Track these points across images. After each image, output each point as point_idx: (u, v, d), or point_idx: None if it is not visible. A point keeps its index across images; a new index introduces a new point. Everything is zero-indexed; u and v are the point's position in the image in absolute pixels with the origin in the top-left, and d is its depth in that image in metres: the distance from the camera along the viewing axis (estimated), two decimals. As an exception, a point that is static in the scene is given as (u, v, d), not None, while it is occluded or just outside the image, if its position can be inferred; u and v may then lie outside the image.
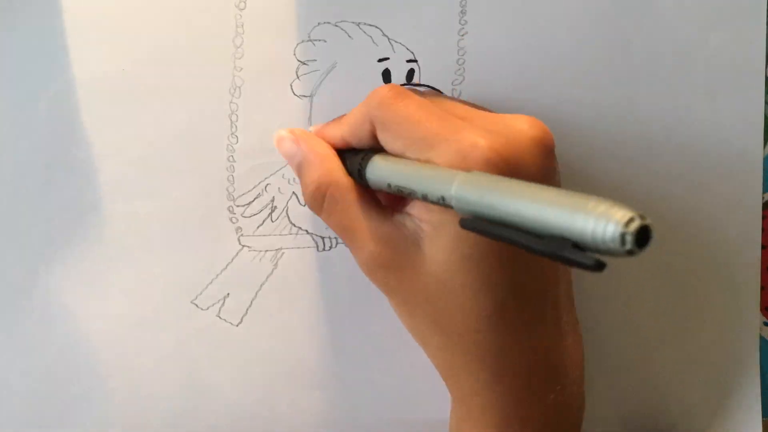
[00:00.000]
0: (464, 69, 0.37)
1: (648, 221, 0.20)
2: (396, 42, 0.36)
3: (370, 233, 0.31)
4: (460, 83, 0.37)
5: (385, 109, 0.30)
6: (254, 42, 0.36)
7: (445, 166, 0.28)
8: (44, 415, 0.37)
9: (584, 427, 0.38)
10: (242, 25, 0.36)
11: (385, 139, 0.31)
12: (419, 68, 0.37)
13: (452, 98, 0.34)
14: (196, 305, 0.37)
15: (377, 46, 0.37)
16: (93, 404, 0.37)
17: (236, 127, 0.37)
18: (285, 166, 0.37)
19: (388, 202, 0.33)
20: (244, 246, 0.37)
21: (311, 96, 0.37)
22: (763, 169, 0.37)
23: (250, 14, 0.36)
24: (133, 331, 0.37)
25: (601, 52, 0.37)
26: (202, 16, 0.36)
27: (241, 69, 0.36)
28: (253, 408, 0.38)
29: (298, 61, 0.37)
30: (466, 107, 0.32)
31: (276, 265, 0.37)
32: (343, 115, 0.34)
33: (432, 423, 0.38)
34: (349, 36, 0.36)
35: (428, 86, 0.37)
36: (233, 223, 0.37)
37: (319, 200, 0.32)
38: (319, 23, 0.36)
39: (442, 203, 0.27)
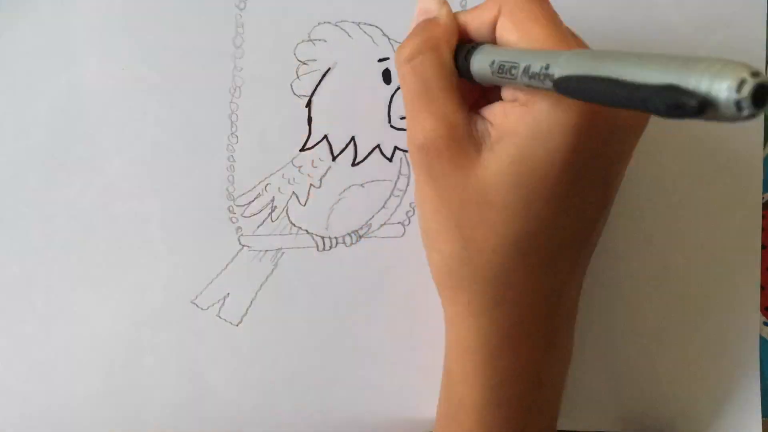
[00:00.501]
0: (464, 69, 0.37)
1: (766, 78, 0.19)
2: (396, 42, 0.37)
3: (442, 111, 0.30)
4: (460, 83, 0.37)
5: (518, 0, 0.29)
6: (254, 42, 0.36)
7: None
8: (44, 415, 0.37)
9: (583, 426, 0.38)
10: (242, 25, 0.36)
11: (503, 27, 0.29)
12: (419, 68, 0.37)
13: None
14: (196, 305, 0.37)
15: (377, 45, 0.37)
16: (93, 404, 0.37)
17: (236, 127, 0.37)
18: (285, 166, 0.37)
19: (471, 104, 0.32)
20: (244, 246, 0.37)
21: (311, 96, 0.37)
22: (763, 169, 0.37)
23: (250, 14, 0.36)
24: (133, 331, 0.37)
25: (601, 52, 0.37)
26: (203, 16, 0.36)
27: (241, 69, 0.36)
28: (253, 408, 0.38)
29: (298, 60, 0.37)
30: (577, 37, 0.32)
31: (276, 265, 0.37)
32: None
33: (432, 423, 0.38)
34: (349, 36, 0.36)
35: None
36: (233, 223, 0.37)
37: (414, 54, 0.30)
38: (319, 23, 0.36)
39: (544, 72, 0.26)
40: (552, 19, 0.29)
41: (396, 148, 0.37)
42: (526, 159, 0.28)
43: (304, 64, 0.37)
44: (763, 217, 0.38)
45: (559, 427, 0.38)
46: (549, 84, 0.26)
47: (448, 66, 0.30)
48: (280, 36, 0.36)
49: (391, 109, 0.37)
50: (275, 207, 0.37)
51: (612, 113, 0.28)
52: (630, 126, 0.30)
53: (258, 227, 0.37)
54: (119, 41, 0.36)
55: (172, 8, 0.36)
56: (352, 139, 0.37)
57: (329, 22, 0.36)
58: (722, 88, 0.19)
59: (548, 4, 0.30)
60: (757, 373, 0.38)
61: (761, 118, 0.37)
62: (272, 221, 0.37)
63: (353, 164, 0.37)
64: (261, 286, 0.37)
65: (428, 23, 0.31)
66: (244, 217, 0.37)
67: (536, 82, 0.26)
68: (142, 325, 0.37)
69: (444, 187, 0.30)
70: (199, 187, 0.37)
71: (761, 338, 0.38)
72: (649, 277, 0.38)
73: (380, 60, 0.37)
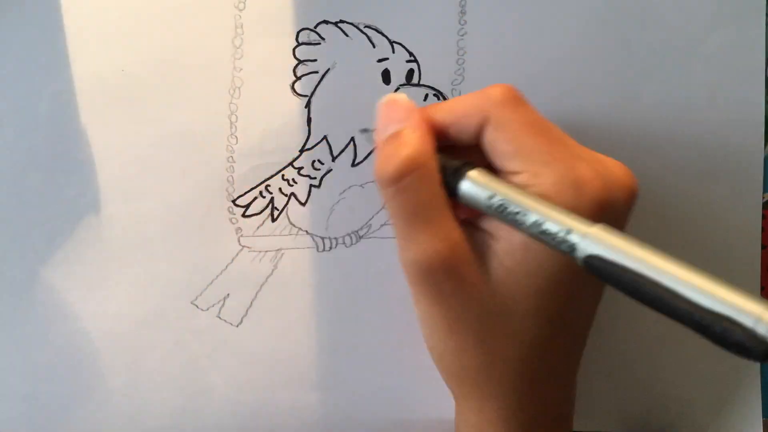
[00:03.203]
0: (464, 69, 0.37)
1: None
2: (395, 42, 0.36)
3: (441, 232, 0.29)
4: (459, 83, 0.37)
5: (506, 108, 0.29)
6: (253, 42, 0.36)
7: (553, 187, 0.28)
8: (44, 415, 0.37)
9: (584, 427, 0.38)
10: (241, 26, 0.36)
11: (494, 138, 0.29)
12: (419, 68, 0.37)
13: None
14: (196, 306, 0.37)
15: (376, 46, 0.36)
16: (93, 404, 0.37)
17: (236, 127, 0.37)
18: (285, 166, 0.37)
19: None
20: (243, 246, 0.37)
21: (311, 96, 0.37)
22: (763, 169, 0.37)
23: (250, 15, 0.36)
24: (133, 332, 0.37)
25: (601, 52, 0.37)
26: (202, 17, 0.36)
27: (241, 69, 0.36)
28: (253, 408, 0.38)
29: (298, 61, 0.37)
30: (567, 136, 0.31)
31: (276, 265, 0.37)
32: (446, 102, 0.32)
33: (432, 423, 0.38)
34: (349, 36, 0.36)
35: (429, 86, 0.37)
36: (233, 223, 0.37)
37: (403, 173, 0.29)
38: (318, 23, 0.36)
39: (562, 237, 0.26)
40: (544, 127, 0.29)
41: (396, 148, 0.37)
42: (543, 270, 0.29)
43: (304, 64, 0.36)
44: (763, 217, 0.38)
45: (560, 427, 0.39)
46: (567, 249, 0.26)
47: (437, 183, 0.29)
48: (279, 36, 0.36)
49: (391, 109, 0.37)
50: (275, 208, 0.37)
51: None
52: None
53: (258, 228, 0.37)
54: (119, 42, 0.36)
55: (171, 9, 0.36)
56: (352, 139, 0.37)
57: (328, 23, 0.36)
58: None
59: (534, 111, 0.30)
60: (758, 373, 0.38)
61: (761, 118, 0.37)
62: (272, 222, 0.37)
63: (353, 164, 0.37)
64: (261, 286, 0.37)
65: (405, 137, 0.30)
66: (244, 217, 0.37)
67: (549, 240, 0.26)
68: (142, 325, 0.37)
69: (457, 306, 0.29)
70: (199, 188, 0.37)
71: (761, 338, 0.38)
72: (649, 277, 0.38)
73: (379, 60, 0.37)
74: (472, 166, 0.29)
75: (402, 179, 0.29)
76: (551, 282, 0.29)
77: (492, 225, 0.30)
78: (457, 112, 0.30)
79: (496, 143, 0.29)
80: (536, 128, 0.29)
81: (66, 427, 0.37)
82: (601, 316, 0.38)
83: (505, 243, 0.29)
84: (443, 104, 0.31)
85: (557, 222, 0.26)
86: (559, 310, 0.30)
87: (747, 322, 0.22)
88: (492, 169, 0.30)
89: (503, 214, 0.28)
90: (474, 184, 0.29)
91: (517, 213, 0.27)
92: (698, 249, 0.38)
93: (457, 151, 0.31)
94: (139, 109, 0.36)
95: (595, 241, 0.25)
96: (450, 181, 0.30)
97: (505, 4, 0.36)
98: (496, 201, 0.28)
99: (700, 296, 0.23)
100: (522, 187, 0.28)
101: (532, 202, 0.27)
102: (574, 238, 0.26)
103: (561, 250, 0.26)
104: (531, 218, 0.27)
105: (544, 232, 0.26)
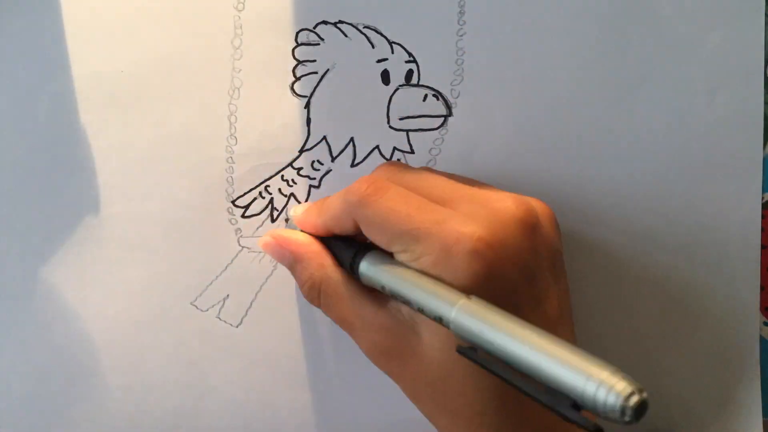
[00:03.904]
0: (463, 69, 0.37)
1: (645, 395, 0.22)
2: (395, 43, 0.36)
3: (368, 323, 0.31)
4: (458, 83, 0.37)
5: (366, 206, 0.30)
6: (253, 43, 0.36)
7: (429, 259, 0.29)
8: (44, 415, 0.37)
9: (584, 427, 0.38)
10: (241, 27, 0.36)
11: (370, 234, 0.31)
12: (418, 69, 0.37)
13: (432, 171, 0.34)
14: (196, 306, 0.37)
15: (376, 46, 0.36)
16: (93, 404, 0.38)
17: (235, 128, 0.37)
18: (284, 167, 0.37)
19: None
20: (243, 247, 0.37)
21: (310, 97, 0.37)
22: (763, 169, 0.37)
23: (249, 15, 0.36)
24: (133, 332, 0.37)
25: (600, 52, 0.37)
26: (201, 17, 0.36)
27: (240, 70, 0.36)
28: (253, 408, 0.38)
29: (297, 61, 0.36)
30: (451, 185, 0.32)
31: (275, 266, 0.37)
32: (323, 201, 0.34)
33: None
34: (348, 37, 0.36)
35: (428, 86, 0.37)
36: (232, 224, 0.37)
37: (315, 296, 0.33)
38: (317, 24, 0.36)
39: (438, 321, 0.28)
40: (408, 200, 0.30)
41: (395, 148, 0.37)
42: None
43: (303, 65, 0.36)
44: (763, 217, 0.38)
45: (559, 426, 0.39)
46: (446, 326, 0.27)
47: (342, 281, 0.33)
48: (278, 37, 0.36)
49: (390, 109, 0.37)
50: (275, 208, 0.37)
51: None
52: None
53: (258, 228, 0.37)
54: (118, 42, 0.36)
55: (170, 9, 0.36)
56: (351, 139, 0.37)
57: (328, 23, 0.36)
58: (611, 395, 0.22)
59: (392, 187, 0.31)
60: (757, 373, 0.38)
61: (761, 118, 0.37)
62: (272, 222, 0.37)
63: (352, 165, 0.37)
64: (261, 287, 0.37)
65: (296, 264, 0.34)
66: (244, 218, 0.37)
67: (430, 318, 0.28)
68: (142, 325, 0.37)
69: (410, 378, 0.31)
70: (199, 189, 0.37)
71: (761, 338, 0.38)
72: (649, 277, 0.38)
73: (379, 61, 0.36)
74: (362, 254, 0.32)
75: (315, 299, 0.33)
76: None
77: None
78: (332, 216, 0.33)
79: (372, 237, 0.31)
80: (401, 210, 0.30)
81: (66, 428, 0.38)
82: (601, 317, 0.38)
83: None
84: (319, 209, 0.34)
85: (431, 306, 0.28)
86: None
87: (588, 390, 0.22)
88: None
89: (395, 297, 0.30)
90: (366, 275, 0.31)
91: (404, 301, 0.29)
92: (698, 249, 0.38)
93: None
94: (138, 109, 0.36)
95: (458, 321, 0.27)
96: (350, 269, 0.32)
97: (504, 4, 0.36)
98: (387, 290, 0.30)
99: (549, 369, 0.24)
100: (407, 263, 0.30)
101: (409, 285, 0.29)
102: (446, 320, 0.27)
103: (445, 326, 0.28)
104: (414, 305, 0.29)
105: (428, 316, 0.28)
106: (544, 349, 0.24)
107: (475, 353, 0.26)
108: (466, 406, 0.30)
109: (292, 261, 0.34)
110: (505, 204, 0.30)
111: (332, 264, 0.33)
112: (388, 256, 0.31)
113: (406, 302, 0.29)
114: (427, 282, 0.28)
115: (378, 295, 0.32)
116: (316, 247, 0.34)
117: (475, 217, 0.29)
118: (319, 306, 0.33)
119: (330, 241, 0.34)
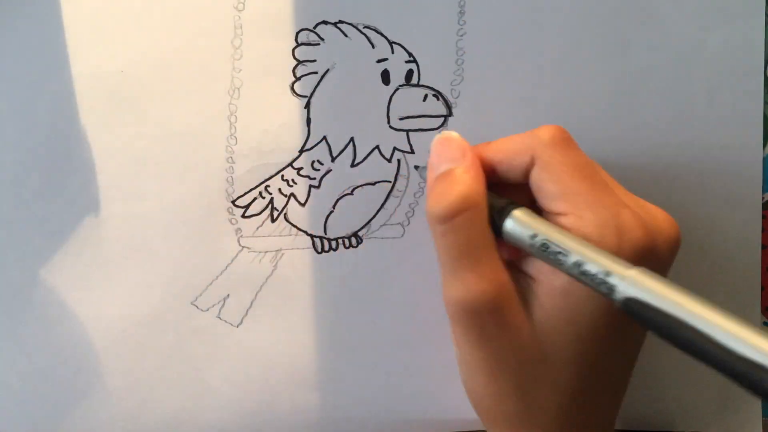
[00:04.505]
0: (463, 69, 0.37)
1: None
2: (395, 42, 0.36)
3: (489, 272, 0.29)
4: (459, 83, 0.37)
5: (556, 149, 0.30)
6: (253, 43, 0.36)
7: (596, 230, 0.28)
8: (44, 415, 0.37)
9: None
10: (241, 27, 0.36)
11: (541, 179, 0.30)
12: (418, 69, 0.37)
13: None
14: (196, 306, 0.37)
15: (376, 46, 0.36)
16: (93, 404, 0.38)
17: (235, 128, 0.37)
18: (284, 167, 0.37)
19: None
20: (243, 247, 0.37)
21: (310, 97, 0.37)
22: (763, 169, 0.37)
23: (249, 15, 0.36)
24: (133, 332, 0.37)
25: (600, 52, 0.37)
26: (201, 17, 0.36)
27: (240, 70, 0.36)
28: (253, 408, 0.38)
29: (297, 61, 0.36)
30: (614, 181, 0.32)
31: (276, 266, 0.37)
32: (496, 141, 0.32)
33: (432, 423, 0.38)
34: (348, 37, 0.36)
35: (428, 86, 0.37)
36: (233, 224, 0.37)
37: (455, 212, 0.29)
38: (317, 24, 0.36)
39: (601, 279, 0.26)
40: (591, 171, 0.30)
41: (395, 148, 0.37)
42: (583, 316, 0.29)
43: (303, 65, 0.36)
44: (763, 217, 0.38)
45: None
46: (605, 290, 0.26)
47: (487, 223, 0.30)
48: (278, 37, 0.36)
49: (390, 109, 0.37)
50: (275, 208, 0.37)
51: None
52: None
53: (257, 228, 0.37)
54: (118, 42, 0.36)
55: (170, 9, 0.36)
56: (351, 139, 0.37)
57: (328, 23, 0.36)
58: None
59: (582, 154, 0.30)
60: (757, 373, 0.38)
61: (761, 118, 0.37)
62: (272, 222, 0.37)
63: (352, 165, 0.37)
64: (261, 287, 0.37)
65: (458, 176, 0.30)
66: (244, 218, 0.37)
67: (588, 281, 0.27)
68: (142, 325, 0.37)
69: (498, 349, 0.29)
70: (199, 189, 0.37)
71: (761, 338, 0.38)
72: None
73: (379, 61, 0.36)
74: (517, 205, 0.30)
75: (454, 218, 0.29)
76: (591, 328, 0.29)
77: (533, 268, 0.30)
78: (506, 151, 0.31)
79: (543, 183, 0.30)
80: (583, 172, 0.29)
81: (66, 427, 0.38)
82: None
83: (545, 287, 0.29)
84: (493, 143, 0.32)
85: (597, 263, 0.27)
86: (599, 357, 0.30)
87: None
88: (538, 210, 0.31)
89: (545, 253, 0.28)
90: (518, 223, 0.29)
91: (559, 253, 0.28)
92: (698, 249, 0.38)
93: (504, 190, 0.31)
94: (138, 109, 0.36)
95: (633, 283, 0.25)
96: (495, 220, 0.30)
97: (504, 4, 0.36)
98: (539, 240, 0.28)
99: (737, 344, 0.23)
100: (566, 229, 0.29)
101: (574, 243, 0.28)
102: (613, 280, 0.26)
103: (600, 291, 0.26)
104: (572, 258, 0.27)
105: (584, 273, 0.27)
106: (738, 331, 0.23)
107: (647, 311, 0.25)
108: (548, 396, 0.29)
109: (457, 168, 0.30)
110: (663, 219, 0.30)
111: (486, 200, 0.30)
112: (539, 214, 0.30)
113: (558, 262, 0.28)
114: (590, 247, 0.27)
115: (502, 258, 0.30)
116: (483, 176, 0.31)
117: (643, 219, 0.29)
118: (442, 224, 0.30)
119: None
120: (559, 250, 0.28)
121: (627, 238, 0.28)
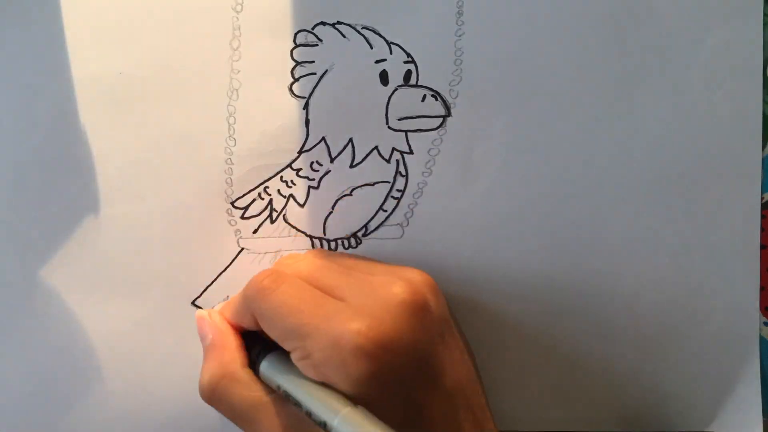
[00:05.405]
0: (461, 69, 0.37)
1: None
2: (393, 43, 0.36)
3: (264, 425, 0.31)
4: (457, 84, 0.37)
5: (260, 299, 0.31)
6: (251, 44, 0.36)
7: (320, 356, 0.29)
8: (44, 415, 0.38)
9: (585, 427, 0.39)
10: (239, 28, 0.36)
11: (264, 328, 0.31)
12: (416, 69, 0.37)
13: (328, 256, 0.35)
14: (196, 306, 0.37)
15: (374, 47, 0.36)
16: (93, 404, 0.38)
17: (234, 129, 0.37)
18: (283, 168, 0.37)
19: None
20: (243, 248, 0.37)
21: (309, 98, 0.37)
22: (763, 169, 0.37)
23: (247, 17, 0.36)
24: (133, 333, 0.37)
25: (599, 52, 0.37)
26: (199, 19, 0.36)
27: (239, 71, 0.36)
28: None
29: (295, 62, 0.36)
30: (342, 273, 0.32)
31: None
32: (233, 298, 0.34)
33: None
34: (346, 37, 0.36)
35: (427, 87, 0.37)
36: (232, 225, 0.37)
37: (210, 390, 0.32)
38: (315, 25, 0.36)
39: (323, 429, 0.28)
40: (302, 294, 0.31)
41: (394, 149, 0.37)
42: None
43: (302, 66, 0.36)
44: (763, 217, 0.38)
45: (562, 427, 0.39)
46: None
47: (244, 382, 0.32)
48: (277, 38, 0.36)
49: (389, 110, 0.37)
50: (274, 209, 0.37)
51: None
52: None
53: (257, 229, 0.37)
54: (117, 44, 0.36)
55: (169, 11, 0.36)
56: (350, 140, 0.37)
57: (326, 24, 0.36)
58: None
59: (290, 279, 0.31)
60: (758, 373, 0.38)
61: (760, 118, 0.37)
62: (271, 223, 0.37)
63: (351, 166, 0.37)
64: (260, 287, 0.37)
65: (209, 350, 0.33)
66: (243, 219, 0.37)
67: (320, 425, 0.28)
68: (142, 326, 0.37)
69: None
70: (198, 190, 0.37)
71: (761, 338, 0.38)
72: (649, 277, 0.38)
73: (377, 61, 0.36)
74: (266, 352, 0.32)
75: (212, 396, 0.32)
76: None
77: None
78: (235, 313, 0.33)
79: (267, 332, 0.31)
80: (292, 304, 0.30)
81: (66, 428, 0.38)
82: (601, 316, 0.38)
83: None
84: (228, 305, 0.35)
85: (318, 412, 0.28)
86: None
87: None
88: None
89: (290, 400, 0.30)
90: (265, 374, 0.31)
91: (296, 404, 0.29)
92: (698, 249, 0.38)
93: None
94: (137, 111, 0.36)
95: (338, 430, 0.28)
96: (256, 368, 0.32)
97: (503, 4, 0.36)
98: (282, 390, 0.30)
99: None
100: (301, 363, 0.30)
101: (303, 391, 0.29)
102: (329, 427, 0.28)
103: None
104: (303, 408, 0.29)
105: (315, 421, 0.28)
106: None
107: None
108: None
109: (206, 346, 0.34)
110: (391, 290, 0.30)
111: (237, 361, 0.32)
112: (287, 356, 0.31)
113: (297, 404, 0.29)
114: (315, 387, 0.29)
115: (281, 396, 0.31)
116: (230, 341, 0.33)
117: (362, 309, 0.29)
118: (209, 403, 0.32)
119: (249, 335, 0.34)
120: (294, 401, 0.29)
121: (342, 346, 0.28)
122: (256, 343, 0.33)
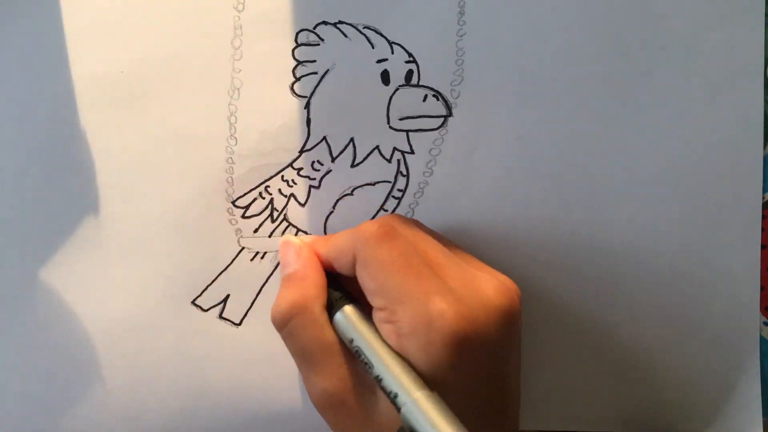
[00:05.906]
0: (463, 69, 0.37)
1: None
2: (394, 43, 0.36)
3: (325, 370, 0.31)
4: (458, 83, 0.37)
5: (369, 247, 0.31)
6: (253, 44, 0.36)
7: (408, 325, 0.29)
8: (44, 415, 0.37)
9: (585, 427, 0.39)
10: (240, 27, 0.36)
11: (361, 276, 0.31)
12: (418, 69, 0.37)
13: (433, 234, 0.34)
14: (197, 306, 0.37)
15: (376, 47, 0.36)
16: (93, 404, 0.38)
17: (235, 129, 0.37)
18: (284, 167, 0.37)
19: None
20: (243, 247, 0.37)
21: (310, 97, 0.37)
22: (763, 169, 0.37)
23: (249, 16, 0.36)
24: (133, 332, 0.37)
25: (600, 52, 0.37)
26: (201, 18, 0.36)
27: (240, 71, 0.36)
28: (253, 408, 0.38)
29: (297, 62, 0.36)
30: (444, 253, 0.32)
31: (276, 266, 0.37)
32: (329, 237, 0.34)
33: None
34: (348, 37, 0.36)
35: (428, 87, 0.37)
36: (233, 224, 0.37)
37: (285, 320, 0.32)
38: (317, 24, 0.36)
39: (390, 397, 0.28)
40: (407, 258, 0.30)
41: (395, 149, 0.37)
42: None
43: (303, 65, 0.36)
44: (763, 217, 0.38)
45: (561, 427, 0.39)
46: (396, 408, 0.28)
47: (320, 323, 0.31)
48: (278, 38, 0.36)
49: (390, 110, 0.37)
50: (275, 208, 0.37)
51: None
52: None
53: (257, 229, 0.37)
54: (118, 43, 0.36)
55: (170, 10, 0.36)
56: (351, 140, 0.37)
57: (328, 24, 0.36)
58: None
59: (399, 237, 0.31)
60: (758, 373, 0.38)
61: (761, 118, 0.37)
62: (272, 222, 0.37)
63: (352, 165, 0.37)
64: (261, 287, 0.37)
65: (292, 279, 0.33)
66: (244, 218, 0.37)
67: (386, 394, 0.28)
68: (143, 325, 0.37)
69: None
70: (199, 189, 0.37)
71: (761, 338, 0.38)
72: (649, 277, 0.38)
73: (379, 61, 0.36)
74: (347, 301, 0.32)
75: (286, 325, 0.31)
76: None
77: None
78: (334, 249, 0.33)
79: (363, 281, 0.31)
80: (399, 264, 0.30)
81: (66, 428, 0.38)
82: (601, 317, 0.38)
83: None
84: (327, 240, 0.34)
85: (390, 382, 0.28)
86: None
87: None
88: None
89: (359, 358, 0.30)
90: (341, 324, 0.31)
91: (365, 363, 0.29)
92: (698, 249, 0.38)
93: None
94: (138, 110, 0.36)
95: (410, 411, 0.27)
96: (332, 312, 0.32)
97: (504, 4, 0.36)
98: (354, 346, 0.30)
99: None
100: (384, 323, 0.30)
101: (376, 356, 0.29)
102: (399, 401, 0.28)
103: (395, 406, 0.28)
104: (374, 372, 0.29)
105: (382, 388, 0.28)
106: None
107: None
108: None
109: (290, 272, 0.33)
110: (491, 291, 0.30)
111: (320, 299, 0.32)
112: (367, 314, 0.31)
113: (368, 367, 0.29)
114: (392, 355, 0.29)
115: (346, 347, 0.31)
116: (317, 276, 0.33)
117: (463, 299, 0.29)
118: (280, 332, 0.32)
119: (330, 277, 0.33)
120: (365, 360, 0.29)
121: (435, 327, 0.28)
122: (337, 289, 0.32)
